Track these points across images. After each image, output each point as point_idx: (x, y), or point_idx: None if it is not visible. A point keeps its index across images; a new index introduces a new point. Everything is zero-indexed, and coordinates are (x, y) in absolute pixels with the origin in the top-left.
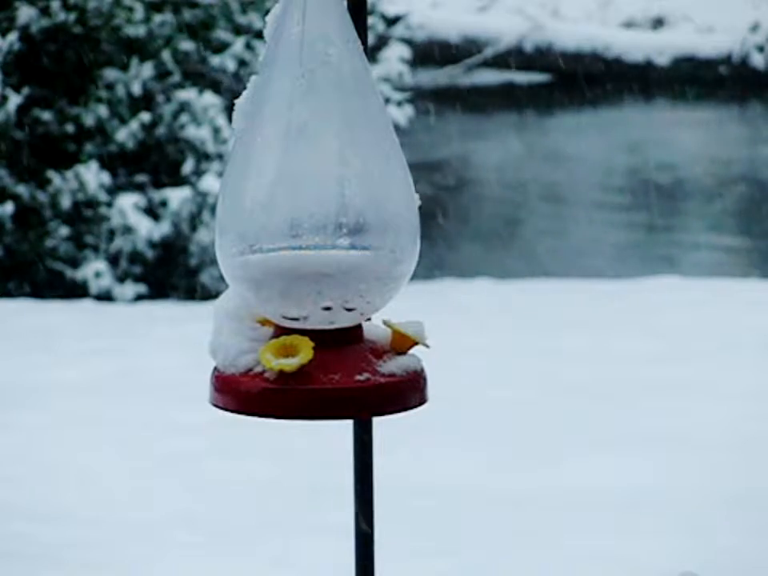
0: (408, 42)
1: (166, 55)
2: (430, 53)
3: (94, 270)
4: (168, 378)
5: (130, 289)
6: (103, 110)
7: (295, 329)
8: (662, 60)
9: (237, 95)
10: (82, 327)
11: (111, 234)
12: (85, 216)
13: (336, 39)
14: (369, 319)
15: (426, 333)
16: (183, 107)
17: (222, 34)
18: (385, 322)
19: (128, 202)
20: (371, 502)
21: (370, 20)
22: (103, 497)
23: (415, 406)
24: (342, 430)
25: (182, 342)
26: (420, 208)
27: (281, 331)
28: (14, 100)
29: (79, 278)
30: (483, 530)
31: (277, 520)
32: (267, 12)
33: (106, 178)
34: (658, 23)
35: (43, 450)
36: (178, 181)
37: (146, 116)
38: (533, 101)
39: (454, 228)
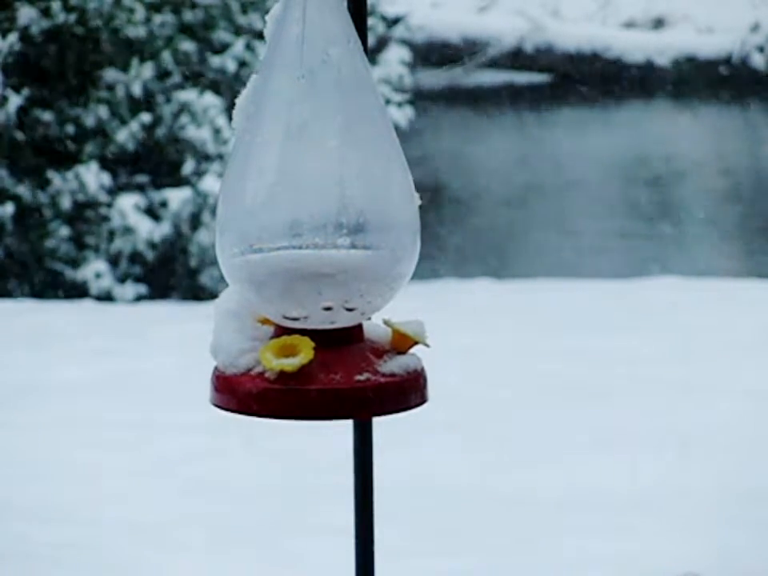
0: (408, 43)
1: (166, 56)
2: (430, 53)
3: (95, 271)
4: (168, 378)
5: (131, 289)
6: (103, 111)
7: (296, 329)
8: (663, 60)
9: (237, 96)
10: (82, 327)
11: (111, 234)
12: (85, 216)
13: (336, 39)
14: (369, 319)
15: (426, 332)
16: (183, 108)
17: (222, 34)
18: (385, 322)
19: (128, 203)
20: (371, 502)
21: (370, 21)
22: (103, 497)
23: (415, 406)
24: (342, 429)
25: (182, 342)
26: (420, 208)
27: (281, 331)
28: (15, 101)
29: (79, 278)
30: (483, 529)
31: (277, 520)
32: (268, 12)
33: (106, 178)
34: (659, 23)
35: (43, 450)
36: (179, 181)
37: (146, 117)
38: (533, 101)
39: (455, 228)
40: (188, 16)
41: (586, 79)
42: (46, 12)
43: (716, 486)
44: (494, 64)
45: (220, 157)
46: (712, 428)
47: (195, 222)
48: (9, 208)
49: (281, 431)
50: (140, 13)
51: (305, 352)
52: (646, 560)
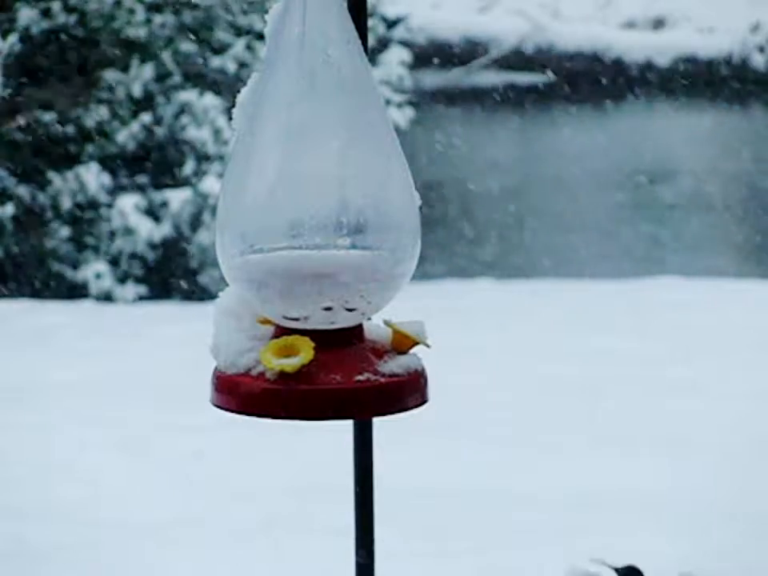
0: (408, 44)
1: (166, 56)
2: (431, 54)
3: (95, 271)
4: (168, 378)
5: (131, 290)
6: (104, 112)
7: (296, 329)
8: (663, 60)
9: (237, 96)
10: (82, 327)
11: (112, 235)
12: (85, 217)
13: (336, 39)
14: (369, 319)
15: (426, 333)
16: (184, 108)
17: (222, 35)
18: (385, 322)
19: (128, 203)
20: (371, 502)
21: (371, 22)
22: (103, 497)
23: (416, 406)
24: (342, 429)
25: (182, 342)
26: (420, 208)
27: (281, 331)
28: (15, 101)
29: (80, 278)
30: (483, 530)
31: (276, 520)
32: (268, 12)
33: (106, 179)
34: (659, 24)
35: (43, 450)
36: (179, 182)
37: (146, 117)
38: (533, 101)
39: (455, 228)
40: (188, 17)
41: (585, 79)
42: (46, 13)
43: (716, 486)
44: (495, 64)
45: (220, 157)
46: (712, 428)
47: (195, 222)
48: (9, 208)
49: (281, 431)
50: (140, 13)
51: (305, 352)
52: (646, 560)
